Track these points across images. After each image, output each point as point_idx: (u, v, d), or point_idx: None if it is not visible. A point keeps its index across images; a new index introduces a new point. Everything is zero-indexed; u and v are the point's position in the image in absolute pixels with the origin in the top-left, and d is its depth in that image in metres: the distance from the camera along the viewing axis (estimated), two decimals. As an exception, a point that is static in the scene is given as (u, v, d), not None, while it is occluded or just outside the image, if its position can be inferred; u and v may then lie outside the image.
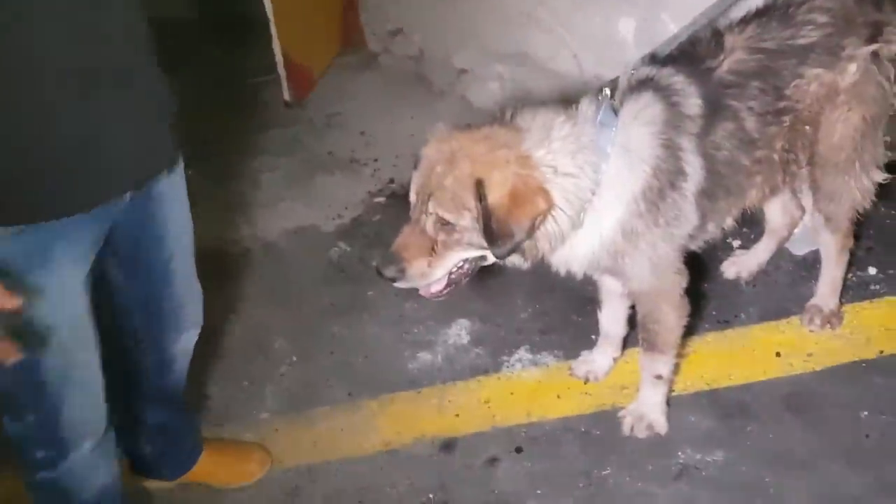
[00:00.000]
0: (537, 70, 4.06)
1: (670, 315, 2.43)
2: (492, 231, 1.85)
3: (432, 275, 1.95)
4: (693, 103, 2.22)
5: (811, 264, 2.97)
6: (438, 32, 4.45)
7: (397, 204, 3.73)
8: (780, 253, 3.07)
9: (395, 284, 1.97)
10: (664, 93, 2.21)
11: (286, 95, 4.43)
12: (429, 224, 1.92)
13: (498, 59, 4.22)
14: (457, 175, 1.87)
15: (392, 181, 3.96)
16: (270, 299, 3.36)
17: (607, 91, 2.25)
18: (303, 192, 3.96)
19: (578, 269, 2.28)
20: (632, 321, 2.74)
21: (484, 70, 4.30)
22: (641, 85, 2.22)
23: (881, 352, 2.68)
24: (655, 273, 2.32)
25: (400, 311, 3.16)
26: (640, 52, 3.57)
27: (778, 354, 2.72)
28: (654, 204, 2.17)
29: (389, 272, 1.95)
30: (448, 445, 2.60)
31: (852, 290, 2.89)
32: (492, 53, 4.24)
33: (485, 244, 1.89)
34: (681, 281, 2.39)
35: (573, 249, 2.18)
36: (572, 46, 3.87)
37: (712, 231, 2.46)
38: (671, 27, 3.46)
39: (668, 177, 2.18)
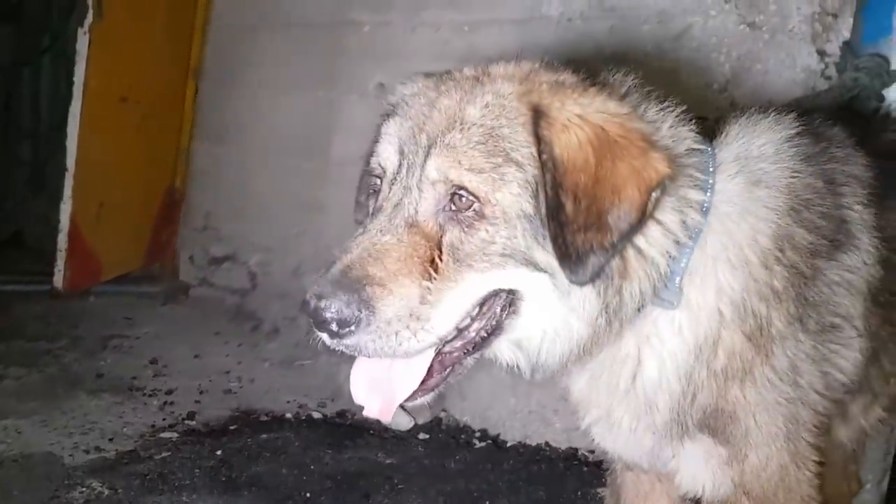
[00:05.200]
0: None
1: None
2: (564, 213, 1.00)
3: (430, 318, 1.01)
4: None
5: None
6: (285, 258, 3.46)
7: (197, 444, 2.38)
8: None
9: (345, 343, 1.00)
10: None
11: (58, 280, 3.04)
12: (425, 205, 1.06)
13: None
14: (492, 101, 1.07)
15: (192, 417, 2.65)
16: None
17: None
18: (43, 411, 2.52)
19: (663, 412, 1.18)
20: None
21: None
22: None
23: None
24: (789, 435, 1.21)
25: None
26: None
27: None
28: (798, 279, 1.20)
29: (337, 309, 0.99)
30: None
31: None
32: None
33: (543, 254, 1.04)
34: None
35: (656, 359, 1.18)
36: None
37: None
38: None
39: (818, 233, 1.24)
